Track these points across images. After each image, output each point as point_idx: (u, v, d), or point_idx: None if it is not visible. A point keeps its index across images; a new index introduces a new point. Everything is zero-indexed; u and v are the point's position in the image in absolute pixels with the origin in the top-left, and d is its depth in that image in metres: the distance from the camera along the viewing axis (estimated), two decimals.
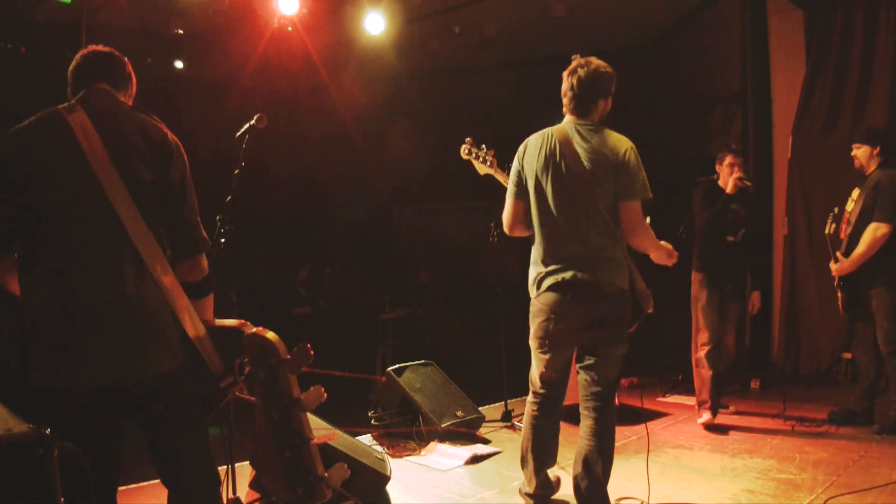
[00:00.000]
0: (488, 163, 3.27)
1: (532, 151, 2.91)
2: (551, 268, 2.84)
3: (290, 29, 6.28)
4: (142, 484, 2.99)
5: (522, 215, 2.96)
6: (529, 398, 3.10)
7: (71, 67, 2.15)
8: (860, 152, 4.41)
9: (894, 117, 5.68)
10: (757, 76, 6.74)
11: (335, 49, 7.78)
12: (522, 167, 2.93)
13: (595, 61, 2.88)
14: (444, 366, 5.01)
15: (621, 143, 2.83)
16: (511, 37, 7.93)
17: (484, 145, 3.30)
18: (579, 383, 2.98)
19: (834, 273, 4.51)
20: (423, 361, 4.93)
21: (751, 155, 6.68)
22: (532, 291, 2.94)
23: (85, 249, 1.86)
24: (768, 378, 6.06)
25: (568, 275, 2.79)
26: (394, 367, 4.73)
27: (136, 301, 1.84)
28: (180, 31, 7.27)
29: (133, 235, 1.84)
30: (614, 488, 3.47)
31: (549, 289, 2.84)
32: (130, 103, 2.17)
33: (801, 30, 6.45)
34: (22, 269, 1.92)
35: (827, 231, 4.64)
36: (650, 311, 2.94)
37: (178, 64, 7.77)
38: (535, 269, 2.92)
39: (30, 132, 1.95)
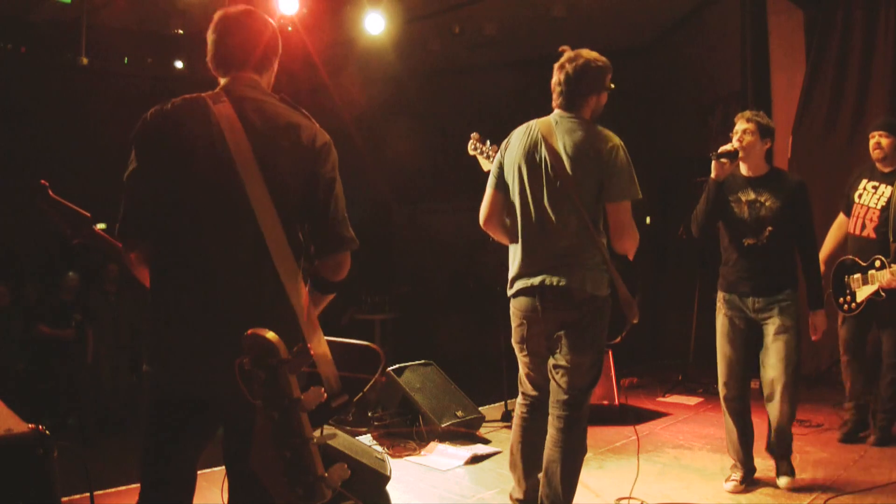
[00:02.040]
0: (491, 159, 3.14)
1: (514, 144, 2.78)
2: (523, 270, 2.73)
3: (290, 29, 6.28)
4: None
5: (499, 208, 2.82)
6: (519, 399, 3.02)
7: (210, 45, 1.94)
8: (887, 142, 4.05)
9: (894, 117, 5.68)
10: (757, 76, 6.74)
11: (335, 49, 7.78)
12: (504, 160, 2.81)
13: (585, 54, 2.70)
14: (444, 366, 5.02)
15: (607, 139, 2.64)
16: (511, 37, 7.92)
17: (488, 141, 3.23)
18: (550, 388, 2.82)
19: (887, 285, 3.94)
20: (423, 361, 4.93)
21: None
22: (508, 291, 2.84)
23: (220, 256, 1.76)
24: None
25: (537, 280, 2.67)
26: (394, 367, 4.73)
27: (265, 318, 1.65)
28: (180, 31, 7.28)
29: (271, 246, 1.71)
30: (614, 488, 3.48)
31: (520, 293, 2.76)
32: (270, 86, 2.00)
33: (801, 30, 6.45)
34: (154, 263, 1.84)
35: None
36: (635, 320, 2.73)
37: (178, 64, 7.78)
38: (510, 269, 2.81)
39: (172, 116, 1.82)
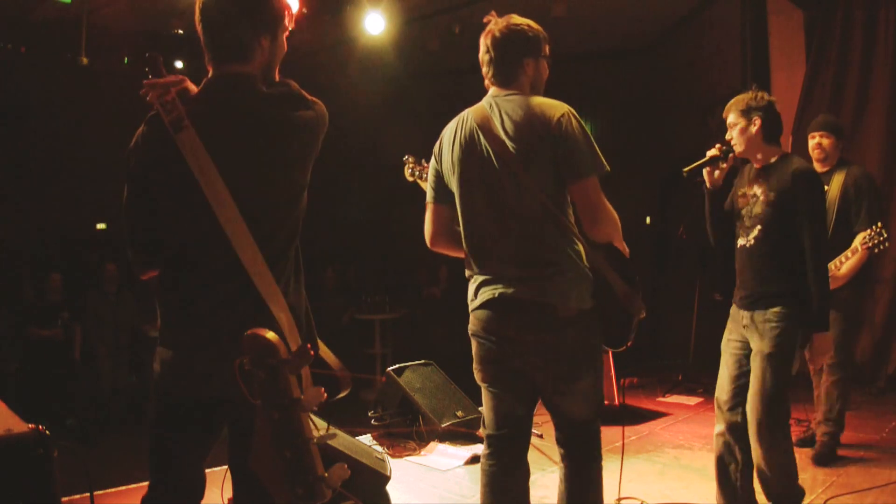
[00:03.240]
0: (424, 178, 2.73)
1: (446, 145, 2.32)
2: (484, 276, 2.23)
3: (290, 29, 6.28)
4: (142, 484, 3.00)
5: (445, 223, 2.37)
6: (483, 448, 2.37)
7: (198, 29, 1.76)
8: (829, 143, 3.96)
9: (894, 117, 5.68)
10: (757, 76, 6.73)
11: (335, 49, 7.78)
12: (440, 165, 2.35)
13: (515, 17, 2.30)
14: (444, 366, 5.02)
15: (554, 108, 2.15)
16: None
17: (424, 160, 2.86)
18: (554, 424, 2.33)
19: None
20: (423, 361, 4.93)
21: None
22: (470, 304, 2.31)
23: (207, 279, 1.73)
24: None
25: (509, 291, 2.15)
26: (394, 367, 4.74)
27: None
28: (180, 31, 7.27)
29: (251, 272, 1.65)
30: (614, 488, 3.48)
31: (485, 305, 2.21)
32: (268, 63, 1.81)
33: (801, 29, 6.45)
34: (160, 277, 1.83)
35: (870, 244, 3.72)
36: (642, 315, 2.25)
37: (178, 64, 7.78)
38: (470, 285, 2.31)
39: (146, 142, 1.75)
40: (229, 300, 1.72)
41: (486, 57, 2.31)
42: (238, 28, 1.73)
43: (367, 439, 4.34)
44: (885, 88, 5.72)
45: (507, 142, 2.16)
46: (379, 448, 4.07)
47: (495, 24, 2.29)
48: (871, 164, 5.61)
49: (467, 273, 2.32)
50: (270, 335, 1.21)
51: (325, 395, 1.26)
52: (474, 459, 4.07)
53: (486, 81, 2.35)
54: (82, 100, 7.62)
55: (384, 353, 7.46)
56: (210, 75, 1.78)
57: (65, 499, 1.87)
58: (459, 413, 4.57)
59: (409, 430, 4.43)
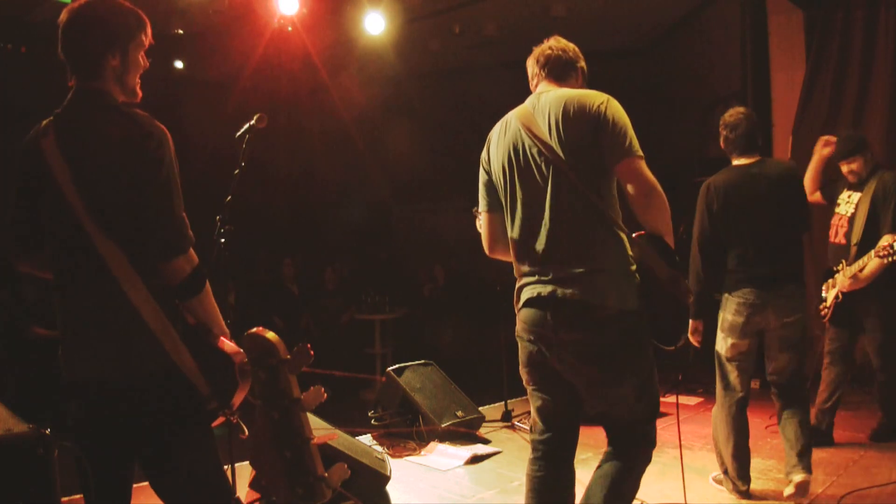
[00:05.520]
0: None
1: (494, 148, 2.36)
2: (530, 278, 2.23)
3: (290, 29, 6.28)
4: (142, 483, 3.00)
5: (502, 231, 2.36)
6: (531, 451, 2.36)
7: (59, 46, 1.87)
8: (857, 165, 4.17)
9: (894, 117, 5.68)
10: (757, 76, 6.74)
11: (335, 49, 7.77)
12: (490, 170, 2.38)
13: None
14: (444, 366, 5.02)
15: (594, 96, 2.20)
16: (511, 37, 7.91)
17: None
18: (605, 426, 2.32)
19: (845, 288, 4.00)
20: (423, 361, 4.94)
21: None
22: (516, 306, 2.32)
23: (72, 272, 1.85)
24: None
25: (546, 290, 2.15)
26: (394, 367, 4.74)
27: (116, 324, 1.80)
28: (180, 31, 7.28)
29: (111, 265, 1.76)
30: None
31: (527, 304, 2.22)
32: (127, 81, 1.93)
33: (801, 30, 6.45)
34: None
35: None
36: (691, 299, 2.21)
37: (178, 64, 7.78)
38: (516, 288, 2.32)
39: (22, 151, 1.89)
40: (94, 302, 1.81)
41: (542, 61, 2.42)
42: (84, 47, 1.85)
43: (367, 439, 4.34)
44: (885, 88, 5.71)
45: (552, 139, 2.18)
46: (379, 448, 4.08)
47: (548, 45, 2.45)
48: None
49: (516, 274, 2.32)
50: (270, 335, 1.21)
51: (325, 395, 1.26)
52: (474, 459, 4.07)
53: (536, 81, 2.44)
54: None
55: (384, 353, 7.46)
56: (72, 89, 1.88)
57: (65, 499, 1.87)
58: (459, 413, 4.57)
59: (409, 430, 4.43)
